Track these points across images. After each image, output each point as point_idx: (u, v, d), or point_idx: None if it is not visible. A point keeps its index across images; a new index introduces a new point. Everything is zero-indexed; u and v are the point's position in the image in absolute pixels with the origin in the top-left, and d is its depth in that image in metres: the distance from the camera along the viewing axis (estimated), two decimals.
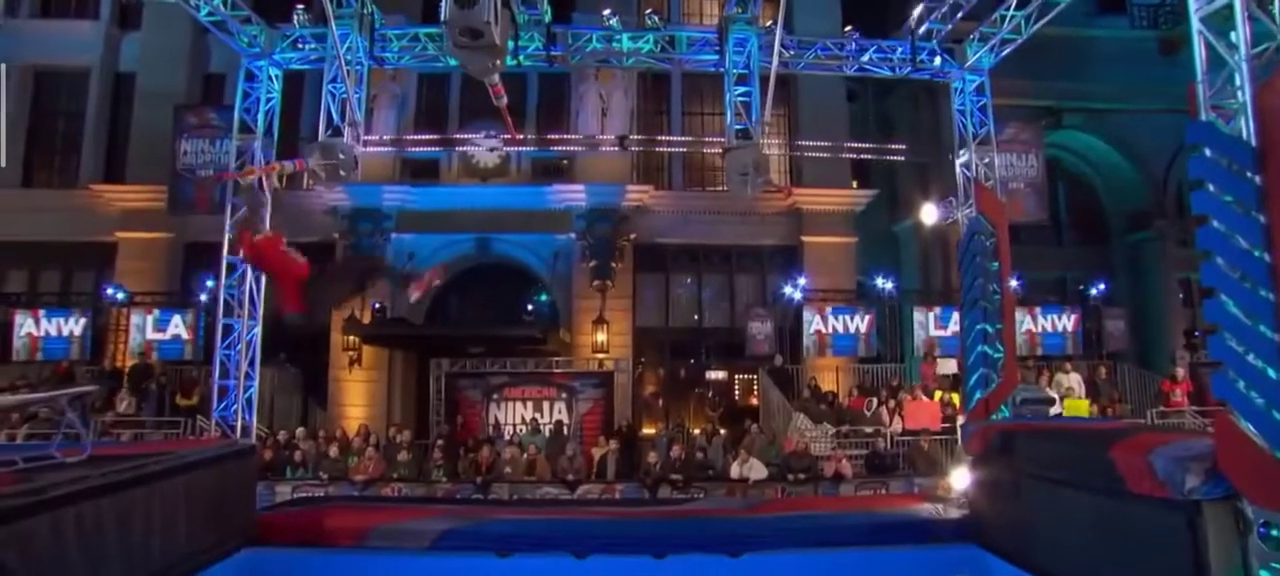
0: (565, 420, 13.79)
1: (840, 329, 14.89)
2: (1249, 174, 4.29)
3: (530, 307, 16.38)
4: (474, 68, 4.96)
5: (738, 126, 6.83)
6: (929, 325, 14.99)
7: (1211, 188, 4.54)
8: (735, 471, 11.30)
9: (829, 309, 14.95)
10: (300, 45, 7.22)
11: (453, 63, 7.81)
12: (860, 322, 14.97)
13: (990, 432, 6.69)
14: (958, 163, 7.66)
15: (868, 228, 17.22)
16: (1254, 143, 4.30)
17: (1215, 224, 4.51)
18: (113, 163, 15.28)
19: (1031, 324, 15.06)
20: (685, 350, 16.52)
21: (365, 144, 14.61)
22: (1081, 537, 5.46)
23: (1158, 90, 15.86)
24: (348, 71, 6.78)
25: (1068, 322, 15.15)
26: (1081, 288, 16.15)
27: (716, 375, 16.71)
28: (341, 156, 6.39)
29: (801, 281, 15.18)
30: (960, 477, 7.47)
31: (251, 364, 7.02)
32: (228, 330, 7.07)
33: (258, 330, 7.24)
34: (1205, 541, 4.34)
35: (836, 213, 16.11)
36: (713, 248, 16.32)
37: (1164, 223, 17.45)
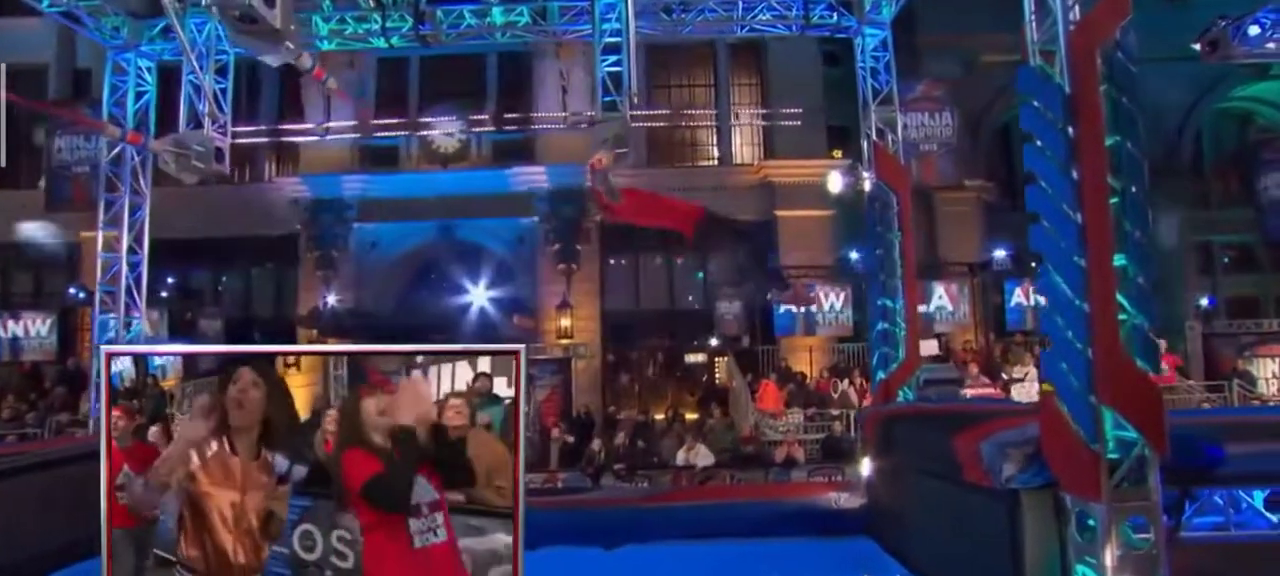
0: (525, 407, 13.78)
1: (814, 306, 14.50)
2: (1062, 125, 3.93)
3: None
4: (264, 54, 4.87)
5: (606, 98, 6.61)
6: None
7: (1039, 142, 4.19)
8: (681, 458, 11.13)
9: (802, 285, 14.57)
10: (172, 35, 7.26)
11: (325, 46, 7.78)
12: (835, 299, 14.56)
13: (878, 418, 6.40)
14: (862, 125, 7.29)
15: (856, 198, 16.66)
16: (1068, 89, 3.93)
17: (1043, 183, 4.16)
18: None
19: (1023, 298, 14.44)
20: (657, 333, 16.34)
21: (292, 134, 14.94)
22: (939, 531, 5.18)
23: (1166, 37, 14.88)
24: (208, 61, 6.79)
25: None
26: None
27: (696, 358, 16.50)
28: (198, 149, 6.40)
29: (768, 258, 14.83)
30: (866, 466, 7.18)
31: None
32: (104, 326, 7.22)
33: (140, 326, 7.37)
34: (1022, 532, 4.05)
35: (812, 184, 15.57)
36: None
37: (1177, 182, 16.41)
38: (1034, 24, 4.25)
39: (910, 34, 16.18)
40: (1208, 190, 17.59)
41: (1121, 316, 3.75)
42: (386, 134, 15.85)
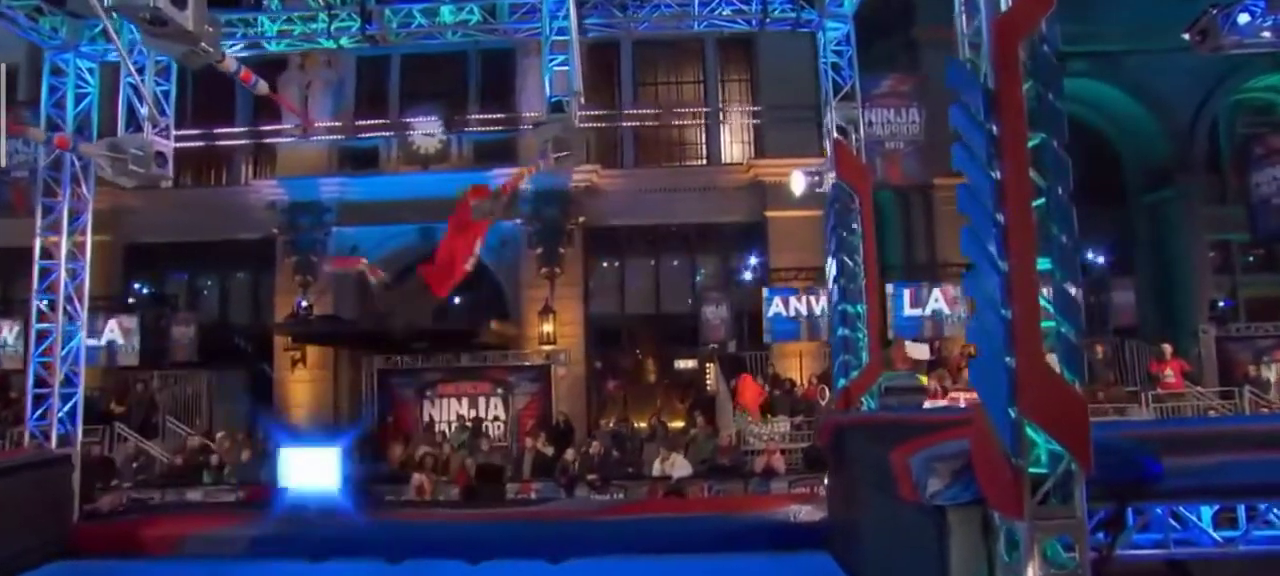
0: (502, 416, 13.84)
1: (804, 310, 14.37)
2: (986, 122, 3.84)
3: (457, 300, 16.33)
4: (181, 57, 4.88)
5: (553, 98, 6.58)
6: (905, 303, 14.33)
7: (966, 140, 4.10)
8: (656, 469, 11.07)
9: (791, 289, 14.46)
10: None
11: (272, 48, 7.82)
12: (826, 303, 14.40)
13: (833, 428, 6.32)
14: (823, 122, 7.21)
15: None
16: (990, 85, 3.84)
17: (970, 183, 4.07)
18: None
19: None
20: (644, 338, 16.29)
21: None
22: (883, 546, 5.09)
23: (1175, 28, 14.66)
24: (149, 63, 6.83)
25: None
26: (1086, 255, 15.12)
27: (686, 364, 16.42)
28: (135, 153, 6.42)
29: (758, 260, 14.74)
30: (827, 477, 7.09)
31: (73, 371, 7.16)
32: (42, 336, 7.25)
33: (81, 337, 7.40)
34: (949, 550, 3.96)
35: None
36: (670, 227, 15.98)
37: (1189, 178, 16.16)
38: (964, 16, 4.17)
39: (907, 27, 16.08)
40: (1225, 186, 17.25)
41: (1046, 324, 3.65)
42: (366, 136, 15.93)
